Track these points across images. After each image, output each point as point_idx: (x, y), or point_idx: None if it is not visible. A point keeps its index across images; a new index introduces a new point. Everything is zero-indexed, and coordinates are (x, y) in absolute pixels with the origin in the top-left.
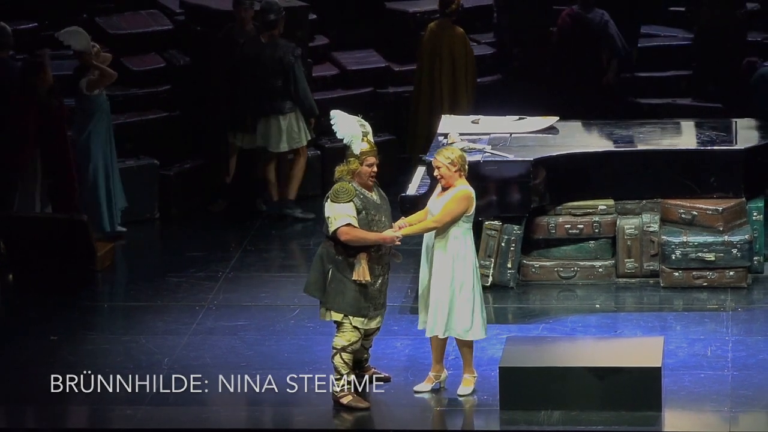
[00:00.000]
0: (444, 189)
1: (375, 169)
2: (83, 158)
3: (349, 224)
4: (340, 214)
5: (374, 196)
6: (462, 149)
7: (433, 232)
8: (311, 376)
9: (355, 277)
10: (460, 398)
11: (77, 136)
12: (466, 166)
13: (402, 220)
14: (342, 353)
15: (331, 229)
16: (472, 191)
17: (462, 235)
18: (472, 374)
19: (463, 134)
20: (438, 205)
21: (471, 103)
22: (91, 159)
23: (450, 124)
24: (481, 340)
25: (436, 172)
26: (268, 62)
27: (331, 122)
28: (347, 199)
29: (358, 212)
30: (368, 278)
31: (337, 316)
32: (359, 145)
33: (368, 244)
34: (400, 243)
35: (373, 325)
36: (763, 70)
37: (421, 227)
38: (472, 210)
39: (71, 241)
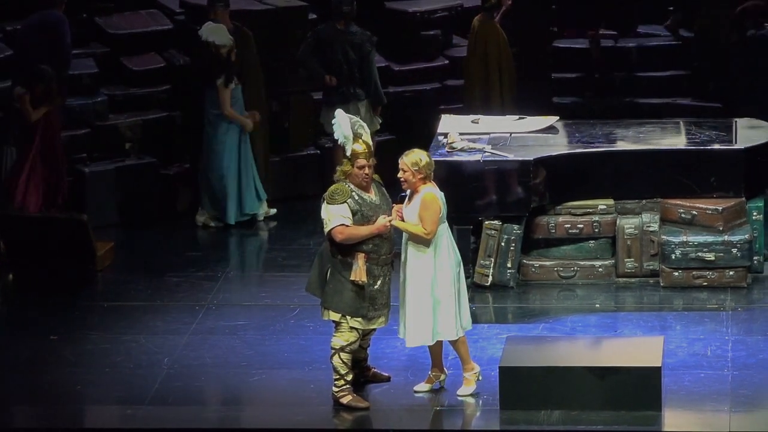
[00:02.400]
0: (411, 195)
1: (366, 171)
2: (222, 152)
3: (342, 224)
4: (334, 215)
5: (372, 196)
6: (462, 149)
7: (406, 239)
8: (311, 375)
9: (352, 278)
10: (460, 398)
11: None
12: (432, 173)
13: (399, 206)
14: (340, 353)
15: (326, 230)
16: (436, 192)
17: (437, 237)
18: (472, 370)
19: (463, 134)
20: (411, 214)
21: (507, 101)
22: (228, 151)
23: (450, 124)
24: (482, 339)
25: (400, 174)
26: (343, 50)
27: (332, 122)
28: (341, 201)
29: (354, 213)
30: (365, 279)
31: (335, 316)
32: (351, 147)
33: (364, 238)
34: (391, 226)
35: (375, 325)
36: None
37: (412, 229)
38: (444, 210)
39: (71, 241)
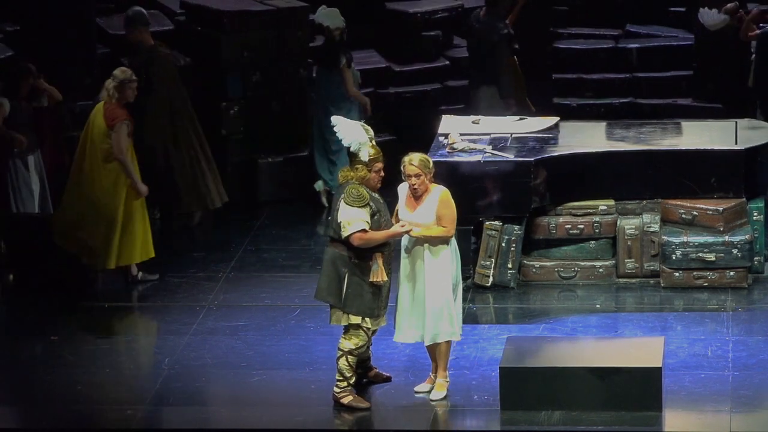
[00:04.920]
0: (417, 196)
1: (382, 174)
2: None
3: (363, 230)
4: (354, 219)
5: (380, 197)
6: (462, 149)
7: (413, 240)
8: (311, 376)
9: (372, 279)
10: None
11: (323, 106)
12: None
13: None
14: (348, 356)
15: (345, 233)
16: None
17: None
18: (445, 378)
19: (463, 134)
20: (425, 215)
21: (502, 100)
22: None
23: (450, 125)
24: (482, 340)
25: (414, 181)
26: (476, 37)
27: (334, 129)
28: (362, 204)
29: (372, 215)
30: (386, 278)
31: (355, 320)
32: (367, 152)
33: (379, 242)
34: (410, 234)
35: (382, 324)
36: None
37: (433, 232)
38: None
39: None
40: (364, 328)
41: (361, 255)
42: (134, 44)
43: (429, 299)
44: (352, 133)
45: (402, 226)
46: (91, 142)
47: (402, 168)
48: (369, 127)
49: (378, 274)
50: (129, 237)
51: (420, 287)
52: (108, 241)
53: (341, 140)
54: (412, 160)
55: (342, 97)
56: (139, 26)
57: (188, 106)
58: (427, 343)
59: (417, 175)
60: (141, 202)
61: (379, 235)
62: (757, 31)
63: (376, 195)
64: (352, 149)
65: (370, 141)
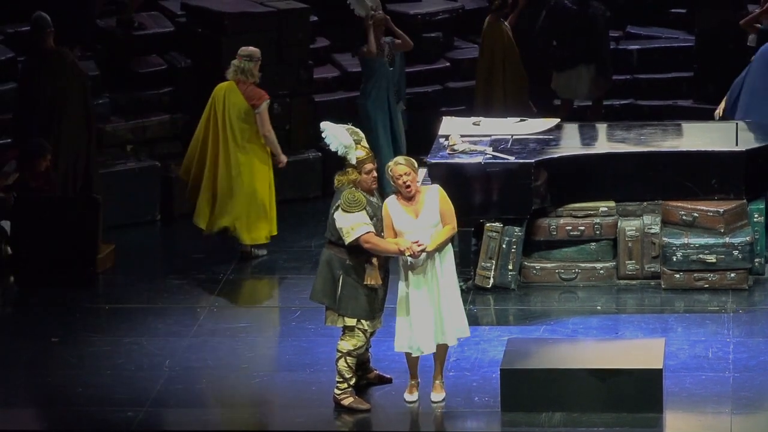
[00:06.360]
0: (409, 199)
1: (374, 174)
2: (365, 118)
3: (369, 233)
4: (357, 224)
5: (376, 200)
6: (463, 150)
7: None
8: (312, 377)
9: (367, 282)
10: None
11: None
12: None
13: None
14: (347, 357)
15: (349, 239)
16: None
17: None
18: (442, 380)
19: (464, 136)
20: (430, 216)
21: (511, 103)
22: (371, 119)
23: (451, 126)
24: (483, 341)
25: (405, 179)
26: (575, 20)
27: (322, 135)
28: (360, 209)
29: (371, 218)
30: (380, 282)
31: (350, 322)
32: (355, 155)
33: (383, 253)
34: (419, 253)
35: (378, 326)
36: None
37: (445, 237)
38: None
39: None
40: (361, 329)
41: (356, 257)
42: (36, 46)
43: (446, 299)
44: (338, 137)
45: (419, 245)
46: (223, 121)
47: (389, 174)
48: (358, 130)
49: (373, 276)
50: (264, 214)
51: (435, 291)
52: (246, 218)
53: (329, 146)
54: (398, 161)
55: (367, 86)
56: (42, 30)
57: (81, 111)
58: (452, 344)
59: (407, 173)
60: (272, 181)
61: (384, 245)
62: (759, 26)
63: (374, 199)
64: (339, 154)
65: (359, 143)
